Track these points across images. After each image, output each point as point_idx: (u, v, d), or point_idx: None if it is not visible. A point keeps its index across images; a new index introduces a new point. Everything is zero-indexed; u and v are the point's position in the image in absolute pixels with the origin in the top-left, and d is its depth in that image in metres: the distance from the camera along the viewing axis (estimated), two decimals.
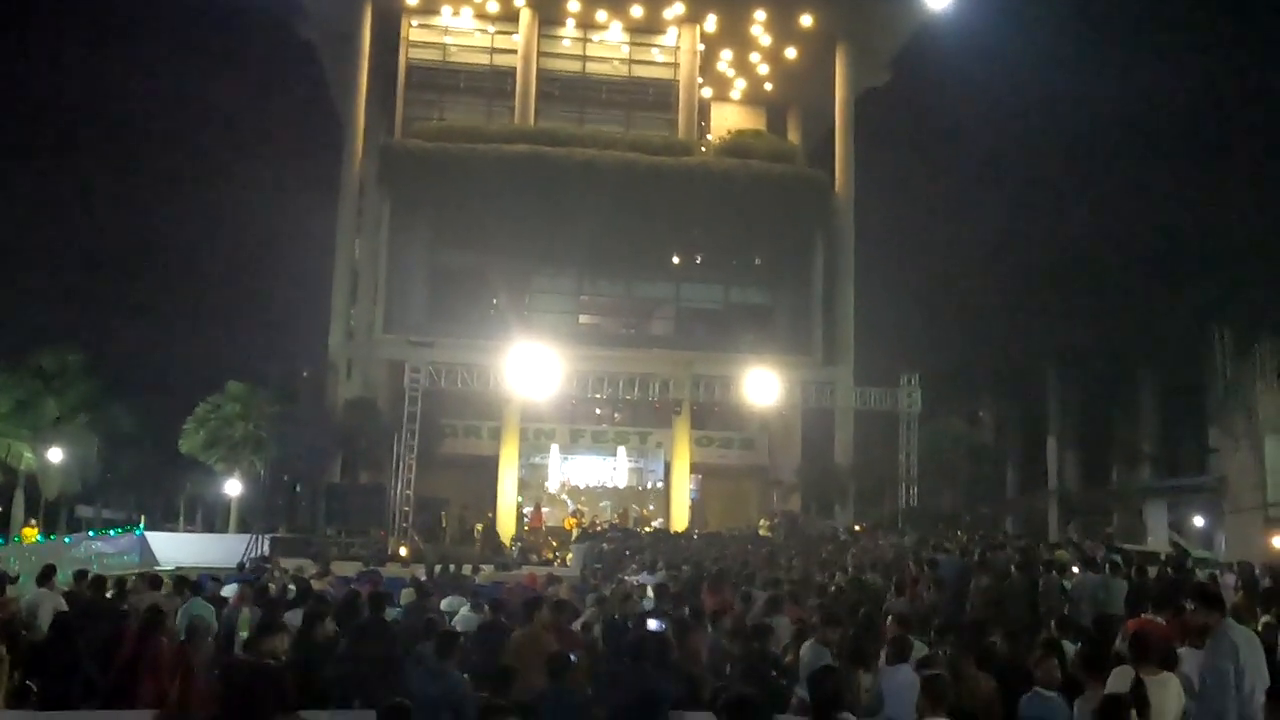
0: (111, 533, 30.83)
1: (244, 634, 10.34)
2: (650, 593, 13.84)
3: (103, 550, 27.00)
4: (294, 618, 10.79)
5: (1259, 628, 9.50)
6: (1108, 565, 14.62)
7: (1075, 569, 15.49)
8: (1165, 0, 39.54)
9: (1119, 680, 6.63)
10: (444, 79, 39.99)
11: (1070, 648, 8.07)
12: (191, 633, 8.89)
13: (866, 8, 37.99)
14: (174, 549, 29.01)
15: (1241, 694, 6.73)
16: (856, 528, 30.79)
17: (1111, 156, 41.32)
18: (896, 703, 7.02)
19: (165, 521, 51.14)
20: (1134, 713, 5.13)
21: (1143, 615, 8.85)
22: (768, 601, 11.85)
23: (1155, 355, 38.31)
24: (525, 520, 34.59)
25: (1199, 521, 35.53)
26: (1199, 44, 38.11)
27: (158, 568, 24.37)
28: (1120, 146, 40.89)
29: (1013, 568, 15.21)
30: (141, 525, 33.99)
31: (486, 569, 22.74)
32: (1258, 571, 17.51)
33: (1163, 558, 19.50)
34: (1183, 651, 7.32)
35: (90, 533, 31.46)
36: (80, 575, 13.20)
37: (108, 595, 11.60)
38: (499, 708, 5.07)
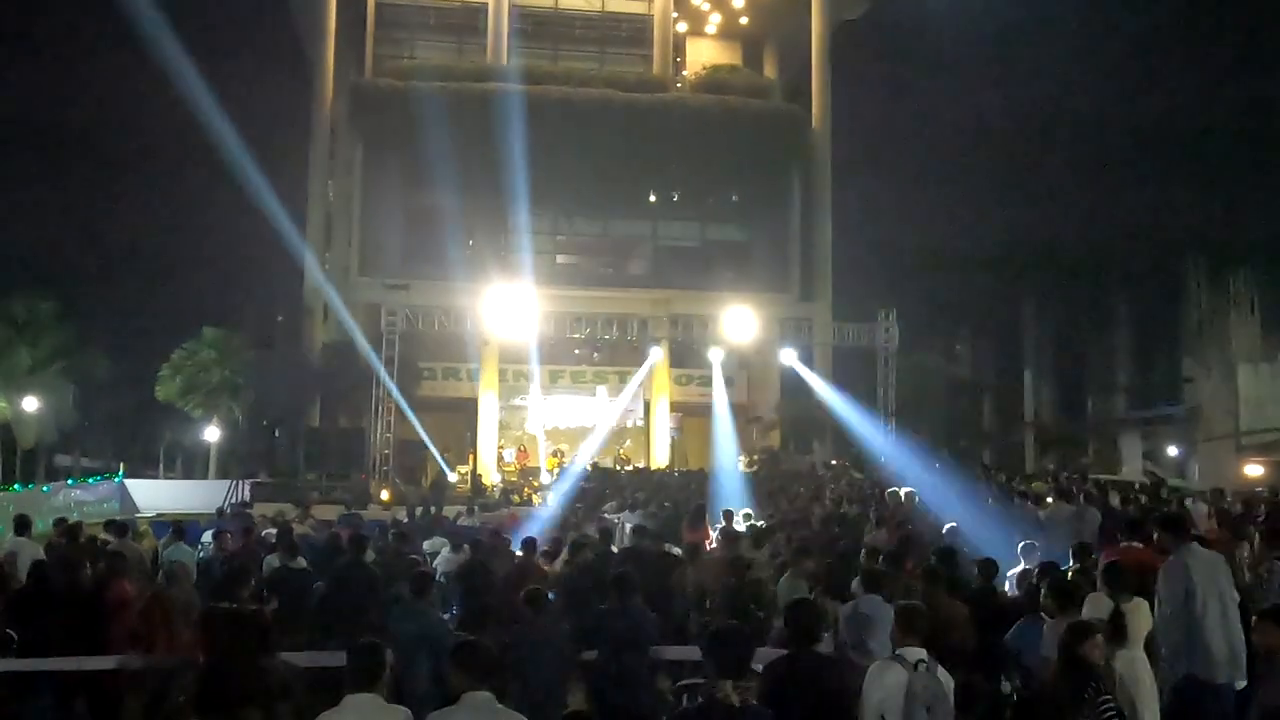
0: (91, 480, 30.66)
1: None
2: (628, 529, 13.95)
3: (82, 498, 26.83)
4: (273, 561, 10.84)
5: (1245, 557, 9.67)
6: (1082, 495, 14.86)
7: (1049, 499, 15.72)
8: None
9: (1094, 607, 6.73)
10: (414, 16, 39.14)
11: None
12: (170, 578, 8.89)
13: None
14: (154, 496, 28.95)
15: (1191, 612, 6.82)
16: (834, 462, 31.07)
17: (1091, 88, 41.14)
18: (874, 632, 7.08)
19: (145, 468, 50.78)
20: (1099, 639, 5.20)
21: (1111, 545, 8.95)
22: (752, 538, 11.96)
23: (1130, 287, 38.53)
24: (507, 462, 34.64)
25: (1173, 451, 36.02)
26: None
27: (138, 514, 24.40)
28: (1100, 78, 40.71)
29: (989, 499, 15.45)
30: (121, 473, 33.72)
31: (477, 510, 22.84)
32: (1229, 498, 17.84)
33: (1137, 486, 19.84)
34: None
35: (69, 481, 31.27)
36: (59, 523, 13.15)
37: (81, 542, 11.56)
38: (472, 644, 5.07)
